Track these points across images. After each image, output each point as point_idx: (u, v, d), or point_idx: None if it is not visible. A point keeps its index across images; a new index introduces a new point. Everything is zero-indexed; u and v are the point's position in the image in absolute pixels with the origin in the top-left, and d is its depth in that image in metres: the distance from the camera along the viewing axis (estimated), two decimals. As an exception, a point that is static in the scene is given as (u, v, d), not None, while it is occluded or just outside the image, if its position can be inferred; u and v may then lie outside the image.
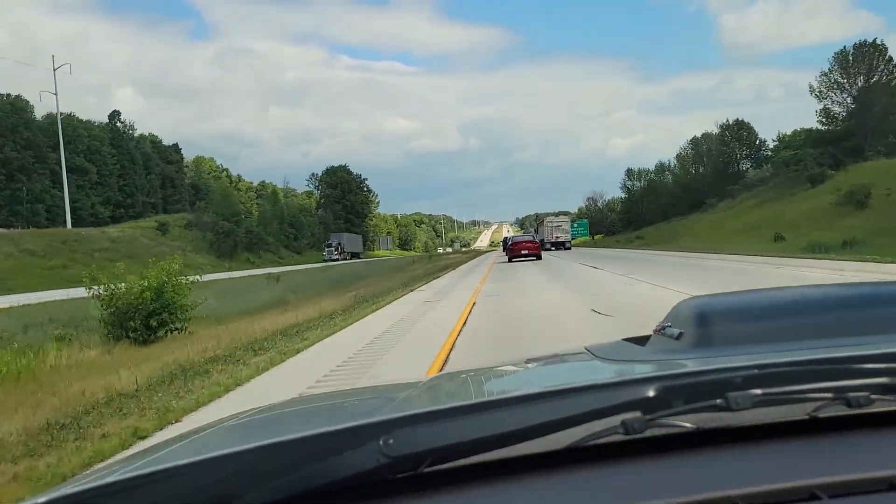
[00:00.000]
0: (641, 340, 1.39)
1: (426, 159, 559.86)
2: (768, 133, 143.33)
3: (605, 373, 1.24)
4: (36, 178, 65.70)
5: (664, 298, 8.56)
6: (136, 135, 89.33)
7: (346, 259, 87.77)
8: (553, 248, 57.03)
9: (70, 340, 12.70)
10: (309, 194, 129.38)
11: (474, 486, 0.80)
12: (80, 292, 14.51)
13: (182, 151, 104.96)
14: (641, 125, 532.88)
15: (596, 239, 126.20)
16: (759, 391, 0.85)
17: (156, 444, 1.21)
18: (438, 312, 13.38)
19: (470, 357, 7.66)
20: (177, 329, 12.38)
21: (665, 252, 39.79)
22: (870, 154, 53.74)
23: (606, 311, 10.85)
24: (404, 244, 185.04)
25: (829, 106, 61.46)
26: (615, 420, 0.83)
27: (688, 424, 0.84)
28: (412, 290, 20.87)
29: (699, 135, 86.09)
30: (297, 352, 9.14)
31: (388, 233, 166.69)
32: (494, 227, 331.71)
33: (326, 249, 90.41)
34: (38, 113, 69.13)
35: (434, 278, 27.64)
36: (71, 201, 63.88)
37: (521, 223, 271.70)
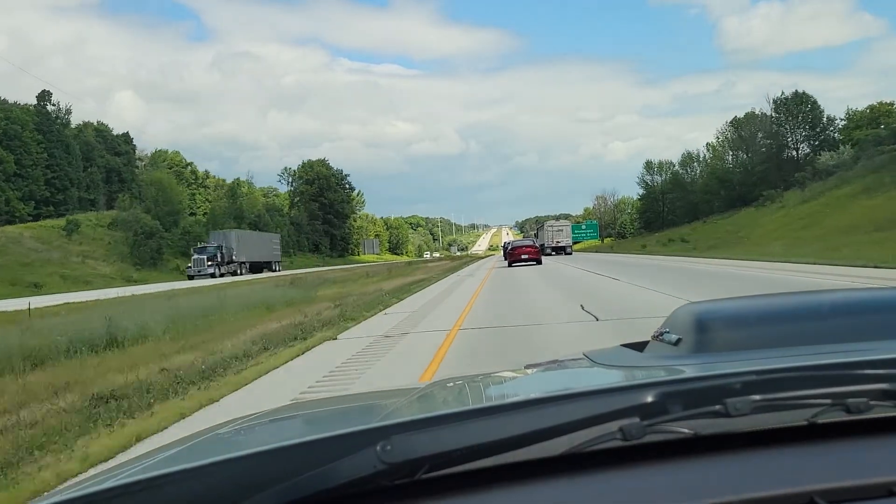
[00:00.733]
0: (640, 346, 1.39)
1: (426, 163, 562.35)
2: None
3: (604, 378, 1.25)
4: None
5: None
6: (77, 122, 74.72)
7: (233, 274, 55.54)
8: (553, 253, 54.02)
9: None
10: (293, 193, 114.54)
11: (472, 492, 0.80)
12: None
13: (134, 142, 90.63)
14: (642, 129, 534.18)
15: (607, 243, 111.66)
16: (757, 397, 0.84)
17: (149, 450, 1.17)
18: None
19: None
20: None
21: (756, 264, 24.63)
22: None
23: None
24: (395, 248, 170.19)
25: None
26: (613, 426, 0.82)
27: (686, 430, 0.84)
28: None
29: (741, 115, 70.93)
30: None
31: (377, 235, 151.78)
32: (493, 230, 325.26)
33: (194, 258, 53.51)
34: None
35: (372, 313, 14.14)
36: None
37: (521, 226, 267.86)
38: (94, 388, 6.71)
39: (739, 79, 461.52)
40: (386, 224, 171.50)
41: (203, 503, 0.77)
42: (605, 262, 36.75)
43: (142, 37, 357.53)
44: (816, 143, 61.45)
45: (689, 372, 1.03)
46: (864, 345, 1.06)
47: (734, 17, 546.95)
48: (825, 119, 62.56)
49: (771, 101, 65.71)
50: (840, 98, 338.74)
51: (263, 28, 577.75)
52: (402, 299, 18.66)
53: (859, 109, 58.04)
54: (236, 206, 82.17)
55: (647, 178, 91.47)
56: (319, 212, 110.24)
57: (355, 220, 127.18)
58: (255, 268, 62.48)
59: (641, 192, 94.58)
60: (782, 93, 63.51)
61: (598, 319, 10.35)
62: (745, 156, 69.81)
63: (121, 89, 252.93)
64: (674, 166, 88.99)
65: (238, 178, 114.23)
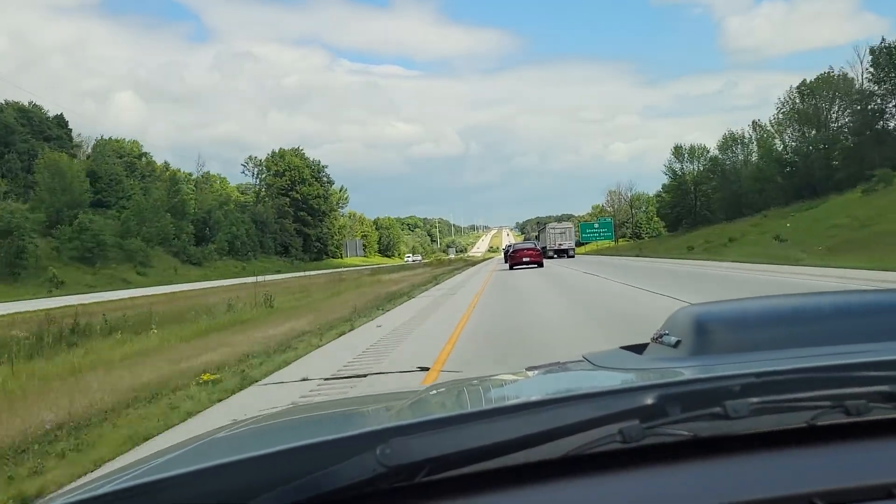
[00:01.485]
0: (639, 349, 1.39)
1: (426, 165, 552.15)
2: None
3: (603, 381, 1.25)
4: None
5: None
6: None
7: None
8: (556, 256, 52.92)
9: None
10: (259, 186, 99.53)
11: (471, 495, 0.79)
12: None
13: (70, 125, 75.67)
14: (643, 130, 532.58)
15: (622, 244, 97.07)
16: (756, 399, 0.84)
17: (150, 454, 1.16)
18: None
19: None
20: None
21: None
22: None
23: None
24: (386, 249, 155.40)
25: None
26: (613, 428, 0.82)
27: (686, 433, 0.84)
28: None
29: (810, 79, 55.51)
30: None
31: (365, 235, 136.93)
32: (494, 231, 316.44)
33: None
34: None
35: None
36: None
37: (522, 227, 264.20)
38: None
39: (741, 79, 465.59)
40: (376, 224, 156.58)
41: None
42: (671, 275, 21.98)
43: (141, 37, 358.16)
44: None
45: (689, 374, 1.02)
46: (864, 347, 1.05)
47: (737, 17, 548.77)
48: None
49: (865, 54, 49.94)
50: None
51: (264, 28, 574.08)
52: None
53: None
54: (176, 199, 67.37)
55: (676, 165, 76.30)
56: (290, 208, 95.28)
57: (337, 219, 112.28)
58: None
59: (667, 182, 79.58)
60: (882, 40, 47.91)
61: None
62: (814, 132, 54.55)
63: (120, 90, 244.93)
64: (708, 151, 74.02)
65: (208, 172, 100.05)
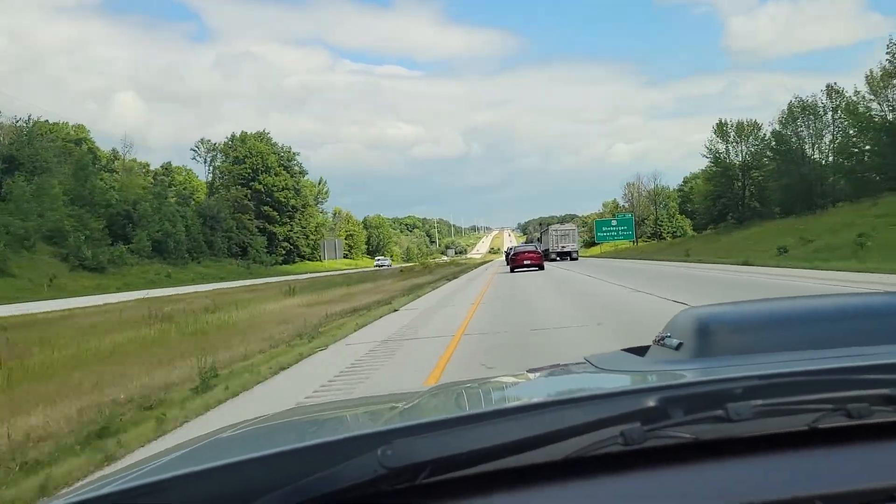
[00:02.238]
0: (641, 351, 1.38)
1: (428, 165, 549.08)
2: None
3: (605, 383, 1.24)
4: None
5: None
6: None
7: None
8: (558, 259, 51.20)
9: None
10: (213, 175, 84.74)
11: (473, 497, 0.79)
12: None
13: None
14: (645, 131, 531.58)
15: (641, 246, 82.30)
16: (758, 402, 0.84)
17: (151, 455, 1.17)
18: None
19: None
20: None
21: None
22: None
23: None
24: (376, 251, 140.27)
25: None
26: (614, 431, 0.82)
27: (687, 435, 0.84)
28: None
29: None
30: None
31: (351, 235, 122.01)
32: (495, 232, 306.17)
33: None
34: None
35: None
36: None
37: (524, 228, 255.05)
38: None
39: (744, 80, 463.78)
40: (365, 223, 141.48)
41: None
42: None
43: (143, 37, 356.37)
44: None
45: (691, 377, 1.02)
46: (866, 349, 1.05)
47: (741, 17, 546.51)
48: None
49: None
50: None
51: (265, 28, 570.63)
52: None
53: None
54: (85, 186, 52.64)
55: (720, 146, 61.21)
56: (251, 201, 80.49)
57: (314, 216, 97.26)
58: None
59: (708, 169, 64.60)
60: None
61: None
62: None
63: (121, 90, 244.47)
64: (759, 128, 59.04)
65: (179, 166, 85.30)
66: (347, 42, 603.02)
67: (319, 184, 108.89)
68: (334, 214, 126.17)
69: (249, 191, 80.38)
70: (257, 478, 0.76)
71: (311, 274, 57.62)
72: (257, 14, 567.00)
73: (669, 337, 1.26)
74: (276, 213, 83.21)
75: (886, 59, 41.54)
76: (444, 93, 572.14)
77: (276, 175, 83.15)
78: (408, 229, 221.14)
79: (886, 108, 42.14)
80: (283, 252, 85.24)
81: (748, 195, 59.33)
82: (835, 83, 51.19)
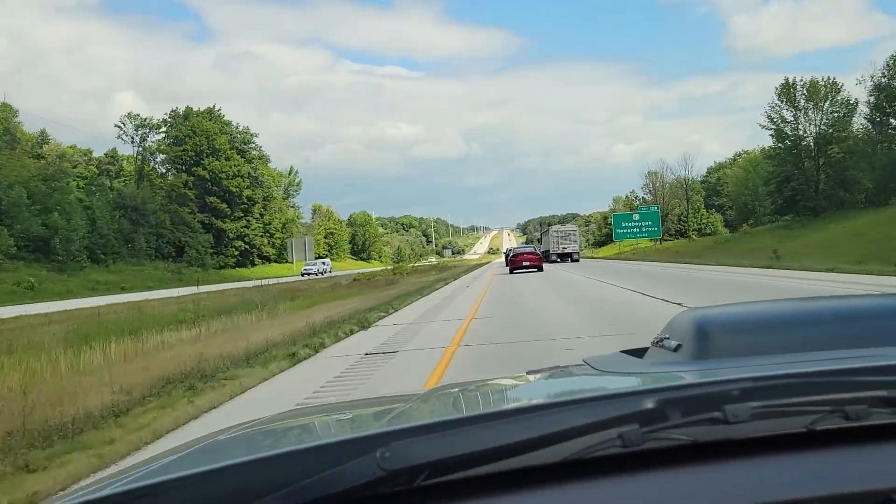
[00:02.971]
0: (639, 353, 1.39)
1: (428, 165, 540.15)
2: None
3: (603, 385, 1.24)
4: None
5: None
6: None
7: None
8: (559, 260, 49.83)
9: None
10: (143, 157, 70.09)
11: (471, 499, 0.80)
12: None
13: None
14: (646, 131, 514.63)
15: (667, 245, 68.04)
16: (756, 403, 0.84)
17: (148, 457, 1.18)
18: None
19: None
20: None
21: None
22: None
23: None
24: (361, 251, 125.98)
25: None
26: (612, 433, 0.82)
27: (685, 437, 0.84)
28: None
29: None
30: None
31: (331, 233, 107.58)
32: (494, 232, 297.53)
33: None
34: None
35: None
36: None
37: (524, 228, 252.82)
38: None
39: (745, 80, 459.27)
40: (350, 221, 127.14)
41: None
42: None
43: (143, 37, 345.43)
44: None
45: (688, 378, 1.03)
46: (864, 351, 1.05)
47: (743, 16, 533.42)
48: None
49: None
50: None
51: (265, 28, 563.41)
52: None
53: None
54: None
55: (788, 114, 46.70)
56: (194, 190, 66.00)
57: (282, 211, 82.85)
58: None
59: (770, 147, 50.19)
60: None
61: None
62: None
63: (121, 90, 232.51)
64: (839, 90, 44.74)
65: (115, 150, 71.23)
66: (348, 42, 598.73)
67: (290, 174, 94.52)
68: (314, 211, 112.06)
69: (192, 178, 65.96)
70: (256, 480, 0.76)
71: (262, 281, 43.21)
72: (257, 14, 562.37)
73: (668, 338, 1.26)
74: (225, 206, 68.76)
75: None
76: (444, 93, 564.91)
77: (226, 159, 68.59)
78: (403, 229, 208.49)
79: None
80: (236, 253, 70.83)
81: (823, 178, 44.93)
82: None
